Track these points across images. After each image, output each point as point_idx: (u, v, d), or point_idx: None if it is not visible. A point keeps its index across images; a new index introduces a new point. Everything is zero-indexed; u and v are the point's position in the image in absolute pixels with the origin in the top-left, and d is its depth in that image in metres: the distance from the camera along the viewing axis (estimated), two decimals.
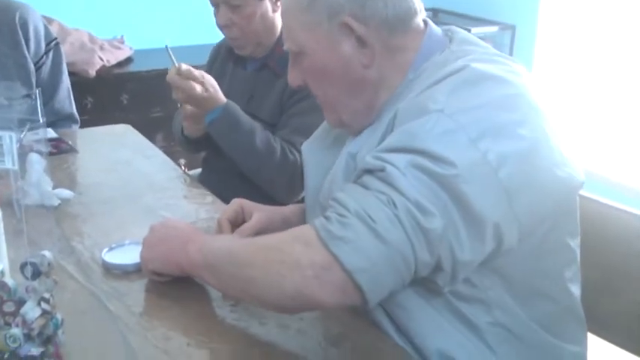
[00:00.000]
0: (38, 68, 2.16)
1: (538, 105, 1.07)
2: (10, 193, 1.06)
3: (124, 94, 3.18)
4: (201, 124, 1.83)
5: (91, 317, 1.17)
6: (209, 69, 2.03)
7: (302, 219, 1.36)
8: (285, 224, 1.35)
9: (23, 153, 1.46)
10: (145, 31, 3.46)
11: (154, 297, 1.24)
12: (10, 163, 0.99)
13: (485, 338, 1.09)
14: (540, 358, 1.13)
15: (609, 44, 3.31)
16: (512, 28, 3.68)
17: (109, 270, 1.31)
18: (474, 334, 1.09)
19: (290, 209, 1.45)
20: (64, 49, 2.48)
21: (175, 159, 2.23)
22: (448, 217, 0.98)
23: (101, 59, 3.17)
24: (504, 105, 1.03)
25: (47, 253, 1.00)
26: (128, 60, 3.37)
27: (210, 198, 1.68)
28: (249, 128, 1.78)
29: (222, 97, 1.77)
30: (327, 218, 1.01)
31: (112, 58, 3.26)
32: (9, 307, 0.98)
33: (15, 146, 0.99)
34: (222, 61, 2.03)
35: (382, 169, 1.00)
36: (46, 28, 2.20)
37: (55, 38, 2.23)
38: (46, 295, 0.98)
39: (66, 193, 1.62)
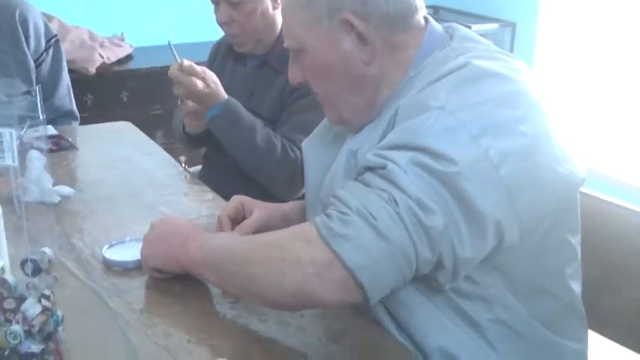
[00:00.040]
0: (38, 65, 2.16)
1: (539, 102, 1.07)
2: (11, 190, 1.06)
3: (124, 91, 3.18)
4: (203, 121, 1.83)
5: (91, 314, 1.17)
6: (209, 66, 2.02)
7: (302, 216, 1.36)
8: (286, 221, 1.35)
9: (23, 150, 1.46)
10: (144, 28, 3.45)
11: (154, 294, 1.24)
12: (10, 160, 0.99)
13: (486, 335, 1.09)
14: (541, 355, 1.13)
15: (610, 41, 3.31)
16: (513, 25, 3.68)
17: (110, 267, 1.31)
18: (475, 332, 1.09)
19: (290, 206, 1.45)
20: (64, 46, 2.48)
21: (175, 156, 2.23)
22: (449, 215, 0.97)
23: (101, 57, 3.17)
24: (505, 102, 1.03)
25: (47, 250, 1.00)
26: (128, 57, 3.36)
27: (210, 195, 1.68)
28: (250, 125, 1.78)
29: (223, 94, 1.78)
30: (328, 216, 1.01)
31: (112, 55, 3.26)
32: (9, 304, 0.97)
33: (15, 143, 0.99)
34: (222, 58, 2.03)
35: (383, 167, 1.00)
36: (46, 26, 2.20)
37: (55, 35, 2.23)
38: (47, 292, 0.98)
39: (66, 190, 1.62)
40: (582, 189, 1.15)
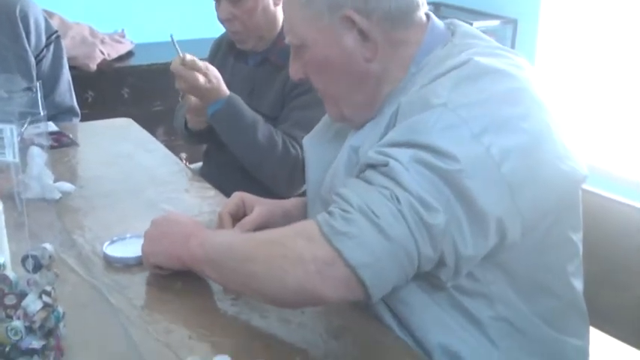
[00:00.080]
0: (39, 61, 2.16)
1: (541, 99, 1.06)
2: (11, 187, 1.06)
3: (125, 87, 3.18)
4: (204, 116, 1.83)
5: (92, 310, 1.17)
6: (210, 63, 2.02)
7: (303, 213, 1.36)
8: (286, 218, 1.35)
9: (24, 146, 1.45)
10: (145, 24, 3.45)
11: (155, 290, 1.24)
12: (11, 156, 0.99)
13: (488, 332, 1.09)
14: (543, 352, 1.13)
15: (611, 38, 3.30)
16: (514, 21, 3.68)
17: (111, 263, 1.31)
18: (477, 329, 1.09)
19: (291, 203, 1.44)
20: (65, 43, 2.48)
21: (177, 153, 2.23)
22: (451, 212, 0.97)
23: (102, 53, 3.17)
24: (507, 99, 1.03)
25: (48, 246, 1.00)
26: (129, 54, 3.36)
27: (211, 191, 1.68)
28: (252, 121, 1.78)
29: (225, 89, 1.78)
30: (330, 213, 1.01)
31: (113, 51, 3.26)
32: (10, 300, 0.97)
33: (16, 139, 0.99)
34: (223, 55, 2.03)
35: (385, 164, 0.99)
36: (47, 22, 2.20)
37: (56, 31, 2.23)
38: (48, 288, 0.98)
39: (67, 186, 1.62)
40: (584, 186, 1.15)
